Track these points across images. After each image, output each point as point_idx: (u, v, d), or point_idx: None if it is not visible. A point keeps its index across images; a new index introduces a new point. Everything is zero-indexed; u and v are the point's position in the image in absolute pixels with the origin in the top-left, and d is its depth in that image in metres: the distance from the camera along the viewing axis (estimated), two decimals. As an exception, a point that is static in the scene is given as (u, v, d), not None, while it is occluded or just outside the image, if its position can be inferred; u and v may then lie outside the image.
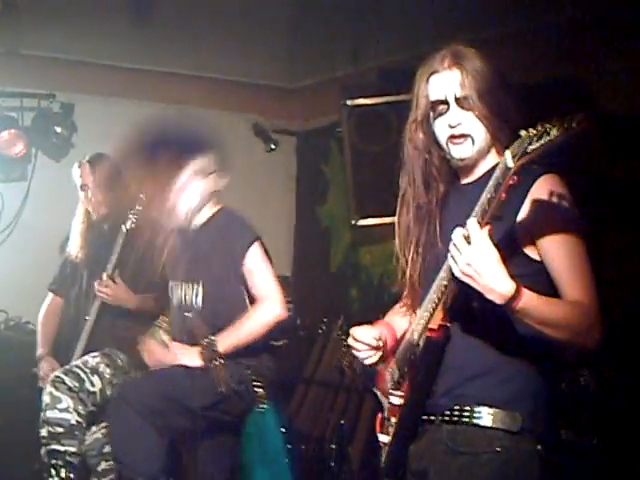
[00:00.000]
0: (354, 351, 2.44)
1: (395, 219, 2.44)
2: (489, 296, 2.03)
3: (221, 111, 5.74)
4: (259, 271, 3.51)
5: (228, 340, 3.43)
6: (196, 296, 3.54)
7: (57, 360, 4.31)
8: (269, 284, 3.51)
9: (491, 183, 2.03)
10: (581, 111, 1.86)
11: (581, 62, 4.44)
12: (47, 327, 4.50)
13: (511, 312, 2.06)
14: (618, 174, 4.35)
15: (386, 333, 2.46)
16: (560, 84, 4.49)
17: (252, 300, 3.54)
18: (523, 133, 1.94)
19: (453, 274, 2.09)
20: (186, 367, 3.44)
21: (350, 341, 2.44)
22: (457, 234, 2.03)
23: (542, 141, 1.90)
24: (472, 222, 2.02)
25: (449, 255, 2.09)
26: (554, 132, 1.88)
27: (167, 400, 3.36)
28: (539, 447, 2.26)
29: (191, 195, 3.54)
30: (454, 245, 2.03)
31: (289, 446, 4.77)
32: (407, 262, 2.39)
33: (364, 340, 2.41)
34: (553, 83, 4.50)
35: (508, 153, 1.97)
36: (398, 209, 2.42)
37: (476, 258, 2.00)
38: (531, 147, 1.92)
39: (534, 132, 1.91)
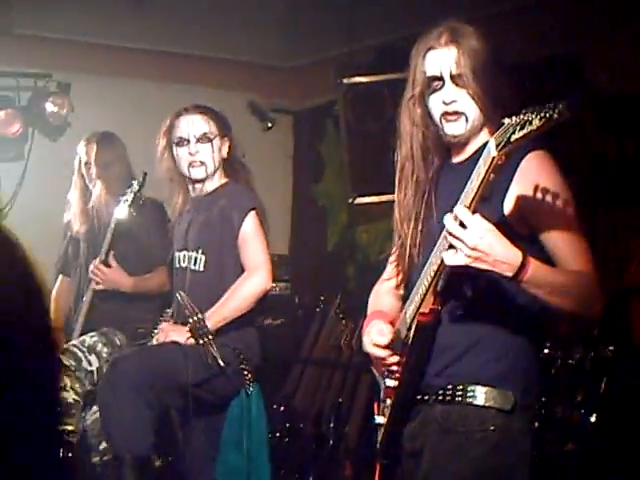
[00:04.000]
0: (380, 358, 2.41)
1: (395, 193, 2.44)
2: (499, 270, 2.04)
3: (217, 90, 5.72)
4: (250, 241, 3.50)
5: (216, 316, 3.43)
6: (196, 262, 3.55)
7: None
8: (257, 254, 3.50)
9: (476, 171, 2.04)
10: (564, 99, 1.86)
11: (574, 41, 4.44)
12: (58, 303, 4.52)
13: (520, 282, 2.06)
14: (610, 151, 4.36)
15: (391, 328, 2.43)
16: (553, 63, 4.49)
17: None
18: (506, 121, 1.95)
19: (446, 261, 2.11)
20: (178, 344, 3.45)
21: (375, 350, 2.41)
22: (450, 224, 2.03)
23: (525, 130, 1.91)
24: (461, 209, 2.03)
25: (440, 243, 2.12)
26: (536, 122, 1.89)
27: (159, 374, 3.38)
28: (535, 424, 2.27)
29: (202, 159, 3.55)
30: (452, 235, 2.03)
31: (287, 425, 4.82)
32: (406, 235, 2.39)
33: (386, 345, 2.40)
34: (546, 62, 4.50)
35: (492, 141, 1.98)
36: (397, 183, 2.42)
37: (479, 239, 2.00)
38: (514, 136, 1.93)
39: (517, 120, 1.92)
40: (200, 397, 3.45)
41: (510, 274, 2.05)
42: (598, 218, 4.30)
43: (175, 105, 3.74)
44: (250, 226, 3.51)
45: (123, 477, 3.29)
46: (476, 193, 2.03)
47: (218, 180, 3.64)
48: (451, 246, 2.06)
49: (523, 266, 2.04)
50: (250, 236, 3.50)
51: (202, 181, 3.59)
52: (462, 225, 2.02)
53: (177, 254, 3.66)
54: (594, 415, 3.41)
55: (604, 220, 4.37)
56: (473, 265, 2.04)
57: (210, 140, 3.56)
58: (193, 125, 3.55)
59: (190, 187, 3.65)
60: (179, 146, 3.57)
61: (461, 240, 2.01)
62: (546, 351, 3.54)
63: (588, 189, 4.13)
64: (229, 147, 3.64)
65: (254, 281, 3.46)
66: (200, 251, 3.55)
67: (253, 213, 3.52)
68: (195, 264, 3.56)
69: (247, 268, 3.49)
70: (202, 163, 3.54)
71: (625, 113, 4.25)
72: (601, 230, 4.23)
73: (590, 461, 3.35)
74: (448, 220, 2.04)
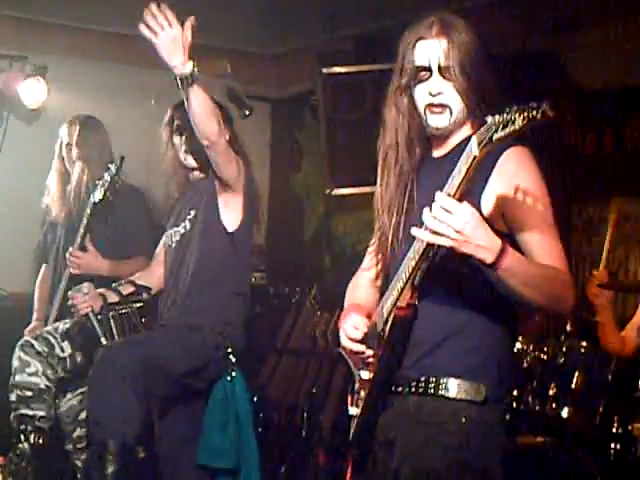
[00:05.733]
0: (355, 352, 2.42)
1: (375, 183, 2.43)
2: (480, 255, 2.05)
3: (196, 76, 5.68)
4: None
5: None
6: (191, 223, 3.59)
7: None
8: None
9: (457, 168, 2.04)
10: (547, 99, 1.87)
11: (554, 35, 4.45)
12: (41, 292, 4.50)
13: (497, 271, 2.07)
14: (588, 146, 4.39)
15: (366, 321, 2.44)
16: (532, 57, 4.51)
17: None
18: (489, 120, 1.95)
19: (427, 251, 2.12)
20: (168, 333, 3.46)
21: (350, 344, 2.42)
22: (436, 209, 2.03)
23: (507, 130, 1.91)
24: (444, 197, 2.03)
25: (425, 229, 2.11)
26: (519, 122, 1.89)
27: (149, 365, 3.38)
28: (507, 417, 2.29)
29: (196, 148, 3.56)
30: (437, 220, 2.03)
31: (261, 414, 4.82)
32: (387, 226, 2.39)
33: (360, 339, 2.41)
34: (525, 57, 4.52)
35: (474, 140, 1.98)
36: (379, 172, 2.42)
37: (464, 224, 2.01)
38: (496, 135, 1.93)
39: (500, 120, 1.92)
40: (189, 385, 3.47)
41: (489, 260, 2.05)
42: (574, 213, 4.34)
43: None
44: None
45: (106, 465, 3.28)
46: (456, 191, 2.04)
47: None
48: (435, 232, 2.05)
49: (502, 252, 2.05)
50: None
51: (198, 169, 3.65)
52: (447, 211, 2.02)
53: (169, 232, 3.70)
54: (566, 409, 3.44)
55: (580, 215, 4.40)
56: (455, 248, 2.04)
57: None
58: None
59: (190, 174, 3.71)
60: (177, 135, 3.65)
61: (447, 224, 2.01)
62: (518, 345, 3.56)
63: (565, 184, 4.17)
64: (229, 137, 3.64)
65: None
66: (188, 221, 3.59)
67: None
68: (188, 223, 3.60)
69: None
70: (195, 151, 3.58)
71: (604, 109, 4.27)
72: (576, 225, 4.27)
73: (562, 454, 3.37)
74: (434, 207, 2.03)
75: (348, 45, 5.12)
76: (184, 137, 3.61)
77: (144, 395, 3.37)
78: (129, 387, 3.29)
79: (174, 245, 3.66)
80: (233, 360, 3.50)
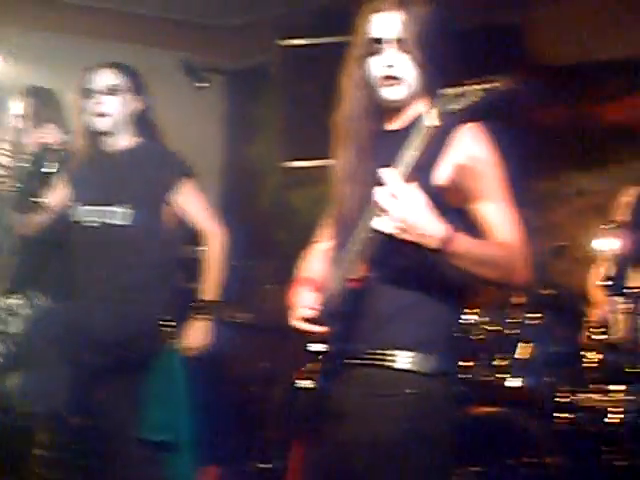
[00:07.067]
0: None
1: (331, 155, 2.43)
2: (424, 242, 2.06)
3: (151, 47, 5.65)
4: (196, 202, 3.59)
5: (213, 287, 3.54)
6: (123, 218, 3.52)
7: None
8: (206, 214, 3.62)
9: (411, 140, 2.05)
10: (502, 73, 1.88)
11: (515, 9, 4.48)
12: None
13: (445, 256, 2.09)
14: (544, 121, 4.43)
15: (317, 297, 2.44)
16: (494, 32, 4.53)
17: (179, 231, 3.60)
18: (446, 91, 1.96)
19: (378, 230, 2.13)
20: (101, 303, 3.44)
21: (303, 324, 2.42)
22: (381, 193, 2.04)
23: (465, 101, 1.93)
24: (394, 177, 2.03)
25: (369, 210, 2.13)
26: (475, 94, 1.91)
27: (77, 332, 3.35)
28: (460, 388, 2.31)
29: (107, 111, 3.53)
30: (380, 205, 2.04)
31: (212, 389, 4.82)
32: (343, 197, 2.39)
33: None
34: (486, 31, 4.54)
35: (430, 111, 1.99)
36: (336, 143, 2.41)
37: (407, 212, 2.02)
38: (451, 107, 1.95)
39: (457, 91, 1.94)
40: (120, 354, 3.44)
41: (435, 247, 2.07)
42: (528, 187, 4.39)
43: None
44: (190, 189, 3.57)
45: (37, 434, 3.27)
46: (410, 163, 2.05)
47: (130, 137, 3.63)
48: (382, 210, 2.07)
49: (448, 240, 2.07)
50: (193, 198, 3.58)
51: (108, 134, 3.58)
52: (393, 195, 2.03)
53: (83, 208, 3.60)
54: (515, 379, 3.50)
55: (534, 189, 4.46)
56: (399, 236, 2.06)
57: (118, 93, 3.55)
58: (102, 78, 3.56)
59: (99, 141, 3.62)
60: (87, 98, 3.57)
61: (388, 211, 2.03)
62: (469, 316, 3.60)
63: (520, 158, 4.21)
64: (142, 106, 3.63)
65: (221, 237, 3.60)
66: (127, 206, 3.52)
67: (189, 177, 3.58)
68: (118, 219, 3.53)
69: (205, 228, 3.59)
70: (107, 115, 3.54)
71: (560, 83, 4.32)
72: (530, 199, 4.32)
73: (511, 424, 3.43)
74: (380, 191, 2.05)
75: (306, 17, 5.10)
76: (94, 100, 3.54)
77: (73, 363, 3.34)
78: (56, 354, 3.27)
79: (96, 224, 3.55)
80: (170, 333, 3.49)
